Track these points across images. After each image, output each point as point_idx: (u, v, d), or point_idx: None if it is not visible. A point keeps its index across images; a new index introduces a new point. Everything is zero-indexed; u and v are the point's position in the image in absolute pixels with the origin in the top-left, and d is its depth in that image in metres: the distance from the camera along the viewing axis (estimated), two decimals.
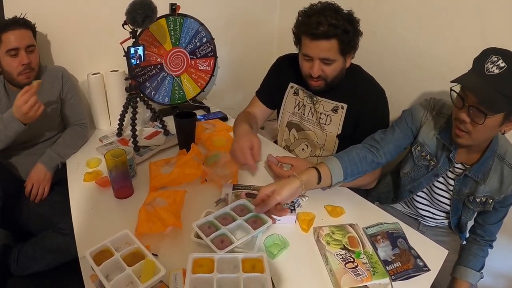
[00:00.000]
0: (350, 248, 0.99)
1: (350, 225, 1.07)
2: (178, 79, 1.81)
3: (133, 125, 1.46)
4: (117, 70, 1.70)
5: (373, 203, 1.26)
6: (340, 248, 0.99)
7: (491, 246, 1.29)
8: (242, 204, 1.08)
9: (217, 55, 1.90)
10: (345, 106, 1.37)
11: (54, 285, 1.41)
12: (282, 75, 1.51)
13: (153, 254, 0.94)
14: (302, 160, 1.18)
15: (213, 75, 1.91)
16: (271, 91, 1.55)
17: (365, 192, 1.41)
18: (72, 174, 1.37)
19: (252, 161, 1.21)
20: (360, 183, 1.30)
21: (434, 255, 1.02)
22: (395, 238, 1.05)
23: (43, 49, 1.61)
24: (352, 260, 0.95)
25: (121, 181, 1.16)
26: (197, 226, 0.98)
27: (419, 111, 1.23)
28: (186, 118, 1.38)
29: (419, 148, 1.24)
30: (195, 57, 1.83)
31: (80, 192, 1.24)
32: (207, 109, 1.89)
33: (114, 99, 1.71)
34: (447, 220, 1.36)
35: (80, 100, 1.64)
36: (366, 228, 1.09)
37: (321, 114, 1.42)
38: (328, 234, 1.03)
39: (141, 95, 1.52)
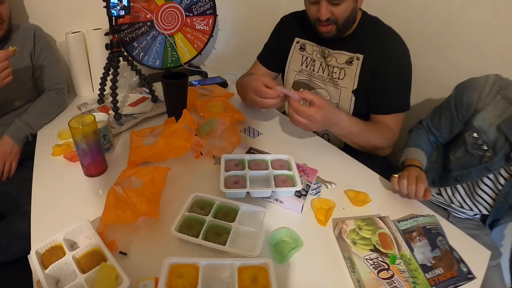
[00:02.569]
0: (382, 249, 0.73)
1: (379, 217, 0.81)
2: (171, 39, 1.52)
3: (114, 88, 1.19)
4: (101, 28, 1.42)
5: None
6: (370, 250, 0.73)
7: None
8: (286, 160, 0.92)
9: (217, 13, 1.60)
10: (361, 57, 1.13)
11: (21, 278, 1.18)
12: (286, 32, 1.30)
13: (121, 252, 0.69)
14: (325, 99, 0.96)
15: (212, 36, 1.61)
16: (274, 53, 1.33)
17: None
18: (41, 147, 1.11)
19: (275, 92, 1.01)
20: (375, 142, 1.09)
21: (475, 256, 0.76)
22: (433, 235, 0.79)
23: (15, 4, 1.35)
24: (386, 267, 0.69)
25: (90, 155, 0.91)
26: (226, 159, 0.89)
27: (474, 91, 0.97)
28: (176, 79, 1.10)
29: (474, 135, 0.98)
30: (191, 14, 1.53)
31: (45, 168, 0.99)
32: (204, 74, 1.60)
33: (97, 62, 1.44)
34: (480, 215, 1.10)
35: (56, 63, 1.36)
36: (398, 221, 0.82)
37: (333, 68, 1.18)
38: (353, 230, 0.77)
39: (125, 54, 1.24)
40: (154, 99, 1.29)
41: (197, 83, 1.46)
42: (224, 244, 0.67)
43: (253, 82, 1.04)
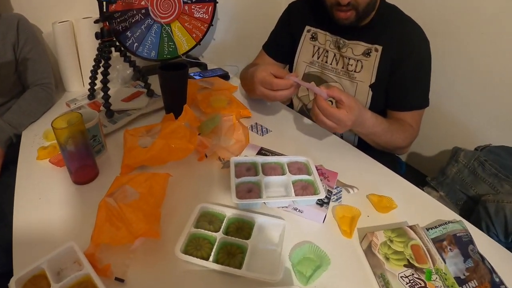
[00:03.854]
0: (417, 264, 0.62)
1: (409, 226, 0.70)
2: (168, 28, 1.38)
3: (105, 82, 1.06)
4: (91, 17, 1.29)
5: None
6: (404, 266, 0.62)
7: None
8: (304, 162, 0.80)
9: (217, 0, 1.46)
10: (380, 48, 1.01)
11: None
12: (295, 20, 1.16)
13: (117, 279, 0.57)
14: (354, 98, 0.82)
15: (212, 25, 1.48)
16: (281, 42, 1.20)
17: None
18: (25, 149, 0.98)
19: (288, 81, 0.86)
20: (397, 142, 0.98)
21: (501, 261, 0.66)
22: (465, 244, 0.68)
23: None
24: (423, 284, 0.59)
25: (78, 160, 0.78)
26: (235, 162, 0.77)
27: None
28: (174, 70, 0.98)
29: None
30: (189, 1, 1.40)
31: (29, 175, 0.86)
32: (204, 66, 1.47)
33: (87, 54, 1.30)
34: None
35: (42, 55, 1.22)
36: (427, 229, 0.71)
37: (349, 59, 1.05)
38: (385, 242, 0.65)
39: (117, 43, 1.11)
40: (150, 93, 1.16)
41: (197, 75, 1.32)
42: (240, 267, 0.56)
43: (260, 73, 0.90)
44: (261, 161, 0.78)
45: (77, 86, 1.34)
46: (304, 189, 0.71)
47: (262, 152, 0.84)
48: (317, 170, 0.76)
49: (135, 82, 1.26)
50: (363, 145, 1.02)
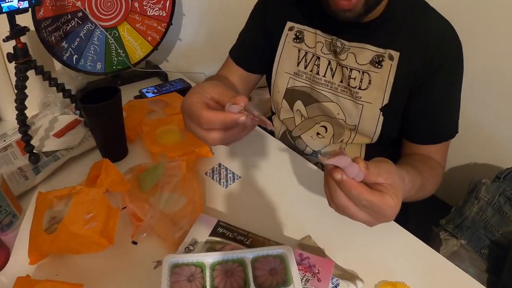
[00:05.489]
0: None
1: None
2: (114, 33, 1.11)
3: (22, 119, 0.81)
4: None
5: None
6: None
7: None
8: (280, 256, 0.52)
9: None
10: (396, 55, 0.70)
11: None
12: (273, 14, 0.84)
13: None
14: (396, 173, 0.47)
15: (171, 24, 1.19)
16: (253, 45, 0.88)
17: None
18: None
19: (226, 116, 0.45)
20: (430, 193, 0.72)
21: None
22: None
23: None
24: None
25: None
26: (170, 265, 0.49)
27: None
28: (107, 98, 0.71)
29: None
30: None
31: None
32: (163, 76, 1.20)
33: None
34: None
35: None
36: None
37: (351, 70, 0.74)
38: None
39: (37, 65, 0.84)
40: (87, 123, 0.90)
41: (150, 91, 1.04)
42: None
43: (190, 97, 0.49)
44: (211, 261, 0.50)
45: (13, 114, 1.08)
46: None
47: (218, 230, 0.56)
48: (302, 260, 0.50)
49: (74, 107, 1.01)
50: None
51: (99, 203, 0.53)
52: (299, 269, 0.49)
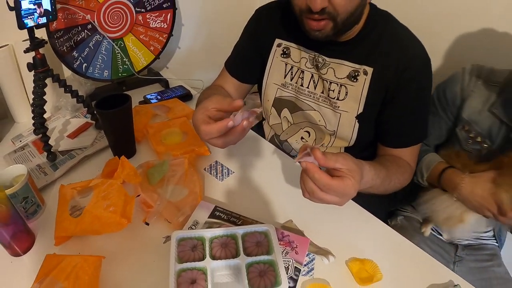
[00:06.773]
0: None
1: None
2: (120, 43, 1.21)
3: (41, 122, 0.90)
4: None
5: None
6: None
7: None
8: (265, 233, 0.63)
9: (177, 7, 1.28)
10: (370, 70, 0.81)
11: None
12: (263, 30, 0.95)
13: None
14: (351, 158, 0.58)
15: (172, 35, 1.30)
16: (246, 58, 0.99)
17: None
18: None
19: (218, 126, 0.60)
20: (396, 187, 0.82)
21: None
22: None
23: None
24: None
25: (6, 234, 0.64)
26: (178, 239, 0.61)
27: (455, 84, 0.90)
28: (117, 104, 0.81)
29: (466, 127, 0.89)
30: (143, 10, 1.22)
31: None
32: (164, 83, 1.30)
33: (32, 79, 1.13)
34: (491, 230, 0.98)
35: None
36: None
37: (330, 83, 0.86)
38: None
39: (54, 74, 0.94)
40: (99, 125, 1.00)
41: (154, 97, 1.16)
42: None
43: (195, 115, 0.65)
44: (209, 235, 0.62)
45: (26, 116, 1.17)
46: (262, 275, 0.56)
47: (215, 214, 0.68)
48: (283, 237, 0.61)
49: (85, 110, 1.11)
50: None
51: (117, 191, 0.64)
52: (280, 244, 0.61)
